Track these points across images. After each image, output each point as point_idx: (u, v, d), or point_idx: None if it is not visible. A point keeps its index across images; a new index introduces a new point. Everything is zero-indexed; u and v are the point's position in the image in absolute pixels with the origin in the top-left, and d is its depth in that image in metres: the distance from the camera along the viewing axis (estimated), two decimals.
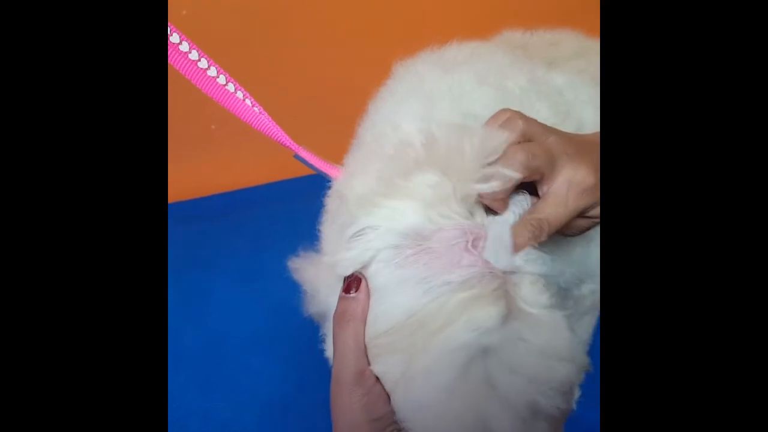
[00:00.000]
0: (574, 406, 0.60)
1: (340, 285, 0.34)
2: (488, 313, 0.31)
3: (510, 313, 0.32)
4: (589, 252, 0.44)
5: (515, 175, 0.33)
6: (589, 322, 0.54)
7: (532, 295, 0.33)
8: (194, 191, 0.93)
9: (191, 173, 0.90)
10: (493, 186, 0.33)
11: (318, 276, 0.38)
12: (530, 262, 0.33)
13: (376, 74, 0.46)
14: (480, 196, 0.34)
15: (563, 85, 0.44)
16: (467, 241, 0.33)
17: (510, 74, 0.43)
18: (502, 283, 0.33)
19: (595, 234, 0.44)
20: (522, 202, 0.36)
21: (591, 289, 0.48)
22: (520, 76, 0.43)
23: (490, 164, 0.33)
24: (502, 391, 0.31)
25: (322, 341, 0.38)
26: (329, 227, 0.39)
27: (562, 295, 0.47)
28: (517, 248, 0.33)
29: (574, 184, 0.35)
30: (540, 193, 0.36)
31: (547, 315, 0.32)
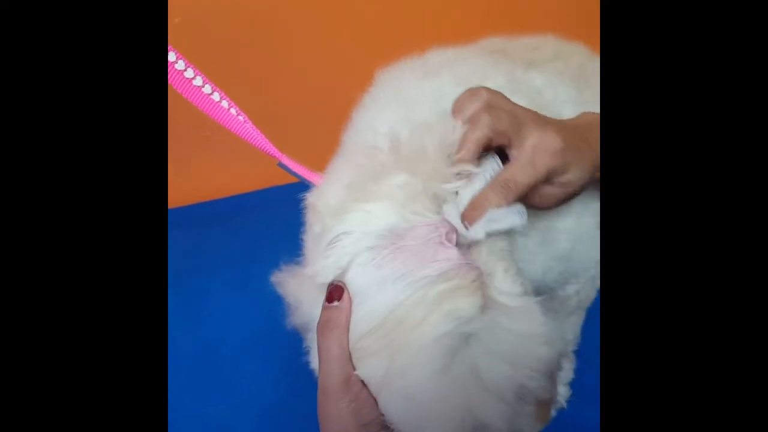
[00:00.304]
0: (565, 404, 0.61)
1: (322, 297, 0.34)
2: (467, 303, 0.31)
3: (486, 302, 0.32)
4: (574, 249, 0.44)
5: (477, 170, 0.35)
6: (575, 321, 0.54)
7: (505, 285, 0.33)
8: (190, 197, 0.94)
9: (187, 179, 0.91)
10: (462, 183, 0.34)
11: (300, 288, 0.38)
12: (496, 221, 0.34)
13: (365, 80, 0.47)
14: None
15: (542, 84, 0.45)
16: (441, 236, 0.33)
17: (489, 75, 0.43)
18: (479, 275, 0.33)
19: (581, 230, 0.44)
20: (492, 164, 0.36)
21: (576, 290, 0.48)
22: (499, 76, 0.43)
23: (454, 163, 0.34)
24: (487, 378, 0.31)
25: (307, 353, 0.38)
26: (310, 238, 0.39)
27: (549, 295, 0.48)
28: (482, 210, 0.34)
29: (541, 147, 0.36)
30: (510, 158, 0.37)
31: (522, 302, 0.33)
